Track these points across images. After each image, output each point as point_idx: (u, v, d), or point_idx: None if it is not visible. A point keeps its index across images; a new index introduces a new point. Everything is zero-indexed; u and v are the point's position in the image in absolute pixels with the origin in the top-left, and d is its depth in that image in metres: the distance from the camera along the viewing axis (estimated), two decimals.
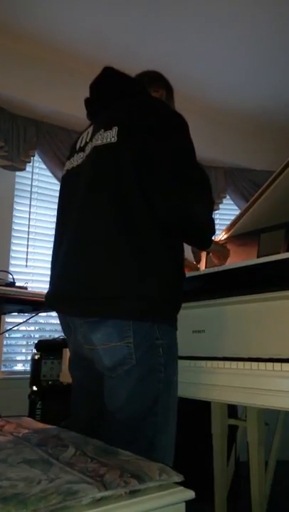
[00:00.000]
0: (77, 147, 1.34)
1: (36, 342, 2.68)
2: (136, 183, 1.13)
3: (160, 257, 1.15)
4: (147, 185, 1.13)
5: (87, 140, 1.29)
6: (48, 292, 1.29)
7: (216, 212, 3.85)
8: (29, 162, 3.07)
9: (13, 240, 3.06)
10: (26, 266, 3.08)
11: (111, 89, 1.32)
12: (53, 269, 1.30)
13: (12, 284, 2.05)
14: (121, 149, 1.16)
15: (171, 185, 1.12)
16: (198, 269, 1.74)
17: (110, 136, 1.19)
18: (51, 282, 1.28)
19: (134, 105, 1.23)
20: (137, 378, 1.12)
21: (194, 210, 1.14)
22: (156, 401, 1.13)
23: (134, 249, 1.12)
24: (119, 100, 1.27)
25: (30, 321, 2.71)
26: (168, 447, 1.16)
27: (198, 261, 1.54)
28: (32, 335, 3.14)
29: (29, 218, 3.15)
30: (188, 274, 1.55)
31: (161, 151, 1.15)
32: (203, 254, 1.71)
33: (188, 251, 1.53)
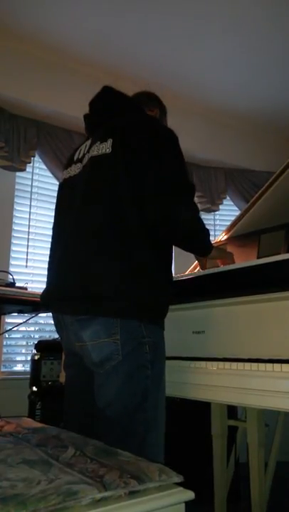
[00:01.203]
0: (75, 158, 1.41)
1: (36, 342, 2.67)
2: (128, 191, 1.20)
3: (149, 259, 1.20)
4: (138, 192, 1.20)
5: (85, 152, 1.36)
6: (43, 292, 1.35)
7: (216, 213, 3.85)
8: (29, 162, 3.07)
9: (13, 241, 3.06)
10: (26, 266, 3.08)
11: (109, 107, 1.40)
12: (49, 270, 1.36)
13: (12, 285, 2.05)
14: (115, 159, 1.23)
15: (158, 193, 1.20)
16: None
17: (105, 147, 1.26)
18: (47, 283, 1.34)
19: (129, 121, 1.31)
20: (124, 374, 1.16)
21: (180, 216, 1.21)
22: (146, 397, 1.16)
23: (125, 252, 1.17)
24: (115, 116, 1.35)
25: (30, 321, 2.71)
26: (159, 443, 1.19)
27: (203, 268, 1.55)
28: (32, 335, 3.14)
29: (29, 219, 3.15)
30: (189, 275, 1.55)
31: (152, 161, 1.22)
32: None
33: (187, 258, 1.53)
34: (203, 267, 1.57)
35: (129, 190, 1.20)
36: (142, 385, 1.17)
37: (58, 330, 1.34)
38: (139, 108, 1.42)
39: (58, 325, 1.32)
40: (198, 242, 1.31)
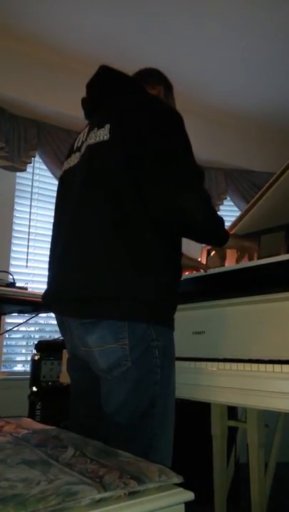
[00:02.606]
0: (74, 148, 1.34)
1: (36, 343, 2.67)
2: (129, 180, 1.12)
3: (155, 257, 1.13)
4: (139, 181, 1.11)
5: (83, 140, 1.29)
6: (44, 292, 1.29)
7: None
8: (30, 163, 3.07)
9: (14, 241, 3.06)
10: (26, 266, 3.08)
11: (106, 88, 1.31)
12: (49, 269, 1.30)
13: (12, 285, 2.05)
14: (113, 146, 1.15)
15: (160, 179, 1.11)
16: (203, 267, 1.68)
17: (103, 134, 1.18)
18: (48, 282, 1.28)
19: (128, 103, 1.22)
20: (133, 380, 1.11)
21: (183, 203, 1.11)
22: (153, 403, 1.12)
23: (130, 250, 1.10)
24: (114, 99, 1.26)
25: (30, 321, 2.72)
26: (166, 450, 1.14)
27: (223, 258, 1.43)
28: (32, 335, 3.14)
29: (29, 219, 3.15)
30: (189, 275, 1.54)
31: (152, 145, 1.12)
32: (231, 252, 1.55)
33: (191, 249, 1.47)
34: (222, 258, 1.44)
35: (130, 180, 1.11)
36: (150, 390, 1.11)
37: (62, 332, 1.28)
38: (139, 87, 1.31)
39: (62, 326, 1.27)
40: (211, 231, 1.22)
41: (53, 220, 1.36)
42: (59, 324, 1.29)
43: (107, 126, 1.18)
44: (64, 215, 1.26)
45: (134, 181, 1.12)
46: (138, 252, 1.11)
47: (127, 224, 1.11)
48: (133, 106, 1.21)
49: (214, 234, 1.25)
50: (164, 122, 1.17)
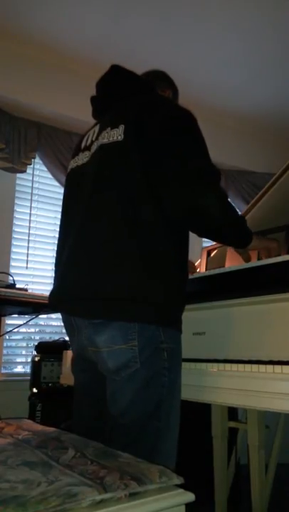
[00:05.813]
0: (83, 146, 1.31)
1: (36, 344, 2.68)
2: (144, 182, 1.10)
3: (167, 260, 1.12)
4: (155, 182, 1.10)
5: (93, 139, 1.27)
6: (51, 292, 1.26)
7: None
8: (30, 164, 3.07)
9: (14, 242, 3.06)
10: (27, 268, 3.07)
11: (118, 88, 1.29)
12: (56, 269, 1.29)
13: (12, 286, 2.05)
14: (128, 147, 1.13)
15: (178, 179, 1.09)
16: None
17: (117, 134, 1.16)
18: (55, 282, 1.27)
19: (142, 103, 1.20)
20: (140, 382, 1.10)
21: (203, 203, 1.09)
22: (159, 405, 1.11)
23: (140, 251, 1.09)
24: (126, 98, 1.25)
25: (30, 322, 2.71)
26: (170, 452, 1.14)
27: (247, 260, 1.38)
28: (32, 337, 3.13)
29: (29, 220, 3.14)
30: (189, 276, 1.54)
31: (169, 146, 1.11)
32: (253, 253, 1.48)
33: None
34: (246, 260, 1.38)
35: (145, 180, 1.10)
36: (157, 393, 1.11)
37: (69, 332, 1.26)
38: (151, 89, 1.29)
39: (69, 326, 1.24)
40: (233, 231, 1.19)
41: (60, 219, 1.34)
42: (66, 324, 1.27)
43: (122, 127, 1.16)
44: (73, 214, 1.24)
45: (149, 183, 1.10)
46: (149, 254, 1.10)
47: (140, 225, 1.10)
48: (148, 107, 1.19)
49: (236, 234, 1.21)
50: (179, 123, 1.16)
